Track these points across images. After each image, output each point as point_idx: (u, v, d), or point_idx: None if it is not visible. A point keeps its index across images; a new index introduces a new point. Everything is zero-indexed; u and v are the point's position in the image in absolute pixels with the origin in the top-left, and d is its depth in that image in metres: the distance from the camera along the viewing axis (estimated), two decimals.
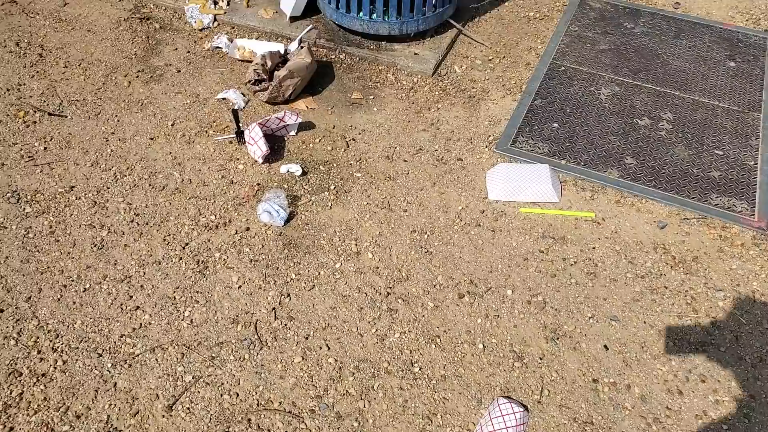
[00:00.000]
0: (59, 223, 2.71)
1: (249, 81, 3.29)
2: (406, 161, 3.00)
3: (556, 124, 3.12)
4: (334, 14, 3.59)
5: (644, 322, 2.33)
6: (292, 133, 3.14)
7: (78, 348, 2.29)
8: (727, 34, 3.70)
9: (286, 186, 2.86)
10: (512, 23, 3.90)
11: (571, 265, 2.53)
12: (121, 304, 2.42)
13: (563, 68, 3.47)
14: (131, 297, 2.44)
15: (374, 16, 3.49)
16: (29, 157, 2.99)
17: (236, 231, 2.68)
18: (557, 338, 2.29)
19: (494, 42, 3.73)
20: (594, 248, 2.58)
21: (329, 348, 2.29)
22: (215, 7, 3.93)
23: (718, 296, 2.41)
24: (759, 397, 2.14)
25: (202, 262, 2.56)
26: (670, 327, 2.32)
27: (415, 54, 3.57)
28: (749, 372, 2.21)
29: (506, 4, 4.08)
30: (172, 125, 3.17)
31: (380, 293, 2.44)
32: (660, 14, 3.87)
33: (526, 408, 1.97)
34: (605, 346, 2.26)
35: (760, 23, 3.83)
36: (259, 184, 2.87)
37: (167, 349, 2.29)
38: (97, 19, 3.87)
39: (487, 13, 3.98)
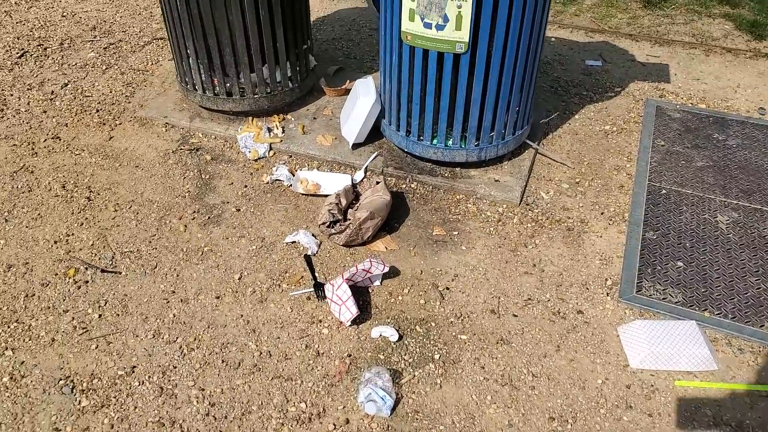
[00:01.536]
0: (122, 420, 2.11)
1: (323, 223, 2.78)
2: (516, 316, 2.44)
3: (680, 263, 2.58)
4: (402, 141, 3.12)
5: None
6: (377, 283, 2.61)
7: None
8: None
9: (381, 356, 2.30)
10: (588, 138, 3.44)
11: None
12: None
13: (664, 191, 2.96)
14: None
15: (450, 143, 3.03)
16: (83, 328, 2.43)
17: (334, 425, 2.08)
18: None
19: (576, 161, 3.25)
20: None
21: None
22: (270, 134, 3.48)
23: None
24: None
25: None
26: None
27: (496, 180, 3.08)
28: None
29: (576, 117, 3.64)
30: (239, 279, 2.64)
31: None
32: (749, 123, 3.42)
33: None
34: None
35: None
36: (350, 356, 2.30)
37: None
38: (144, 153, 3.41)
39: (558, 128, 3.53)
